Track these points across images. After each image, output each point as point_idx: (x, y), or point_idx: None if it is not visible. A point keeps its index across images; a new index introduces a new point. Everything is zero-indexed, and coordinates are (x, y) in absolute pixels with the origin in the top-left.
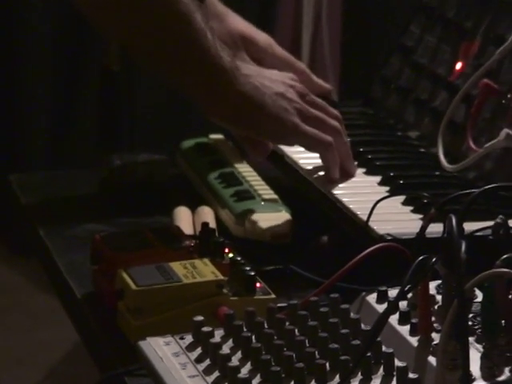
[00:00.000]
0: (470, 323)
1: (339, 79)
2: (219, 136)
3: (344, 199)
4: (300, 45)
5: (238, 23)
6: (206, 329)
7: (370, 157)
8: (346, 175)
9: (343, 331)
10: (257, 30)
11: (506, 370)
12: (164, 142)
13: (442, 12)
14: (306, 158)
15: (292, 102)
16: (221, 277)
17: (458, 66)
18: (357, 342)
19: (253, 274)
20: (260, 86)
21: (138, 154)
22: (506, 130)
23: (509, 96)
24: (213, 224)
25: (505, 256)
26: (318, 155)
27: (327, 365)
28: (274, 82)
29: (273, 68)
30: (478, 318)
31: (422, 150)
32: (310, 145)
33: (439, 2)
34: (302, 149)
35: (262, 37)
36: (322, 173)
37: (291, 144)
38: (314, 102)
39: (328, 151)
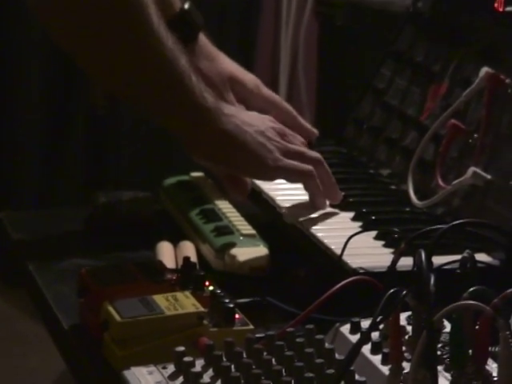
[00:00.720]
0: (438, 353)
1: (314, 120)
2: (200, 174)
3: (319, 234)
4: (277, 87)
5: (228, 64)
6: (187, 359)
7: (343, 193)
8: (333, 202)
9: (318, 361)
10: (245, 71)
11: None
12: (147, 180)
13: (411, 56)
14: (283, 195)
15: (271, 140)
16: (201, 309)
17: (427, 107)
18: (331, 371)
19: (232, 306)
20: (241, 124)
21: (122, 191)
22: (472, 168)
23: (475, 136)
24: (194, 258)
25: (472, 289)
26: (294, 192)
27: None
28: (255, 121)
29: (259, 108)
30: (447, 348)
31: (393, 187)
32: (292, 177)
33: (408, 46)
34: (279, 186)
35: (249, 78)
36: (298, 209)
37: (273, 179)
38: (293, 140)
39: (310, 179)
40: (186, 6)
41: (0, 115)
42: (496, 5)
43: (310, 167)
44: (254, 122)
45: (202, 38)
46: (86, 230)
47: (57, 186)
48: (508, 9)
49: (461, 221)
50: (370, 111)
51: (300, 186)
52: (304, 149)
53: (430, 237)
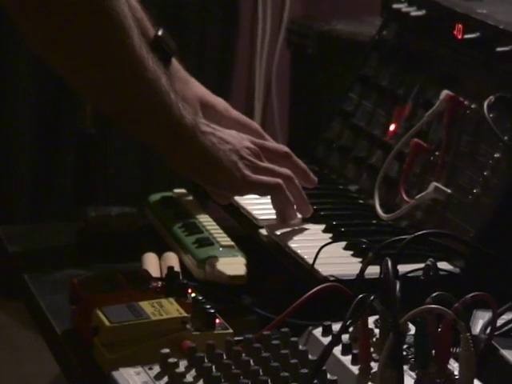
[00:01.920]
0: (404, 353)
1: (288, 141)
2: (182, 190)
3: (292, 245)
4: (253, 111)
5: (198, 88)
6: (171, 360)
7: (315, 207)
8: (303, 215)
9: (293, 361)
10: (214, 95)
11: None
12: (134, 197)
13: (376, 81)
14: (259, 210)
15: (244, 159)
16: (184, 314)
17: (392, 127)
18: (305, 370)
19: (213, 311)
20: (217, 142)
21: (111, 207)
22: (434, 184)
23: (436, 153)
24: (177, 268)
25: (434, 294)
26: (269, 206)
27: None
28: (232, 140)
29: (228, 128)
30: (412, 349)
31: (361, 201)
32: (261, 190)
33: (374, 72)
34: (256, 201)
35: (218, 101)
36: (273, 222)
37: (244, 194)
38: (271, 157)
39: (278, 193)
40: (160, 32)
41: None
42: (455, 33)
43: (278, 180)
44: (231, 141)
45: (175, 63)
46: (78, 243)
47: (48, 202)
48: (466, 37)
49: (424, 232)
50: (339, 132)
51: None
52: (274, 166)
53: (396, 247)
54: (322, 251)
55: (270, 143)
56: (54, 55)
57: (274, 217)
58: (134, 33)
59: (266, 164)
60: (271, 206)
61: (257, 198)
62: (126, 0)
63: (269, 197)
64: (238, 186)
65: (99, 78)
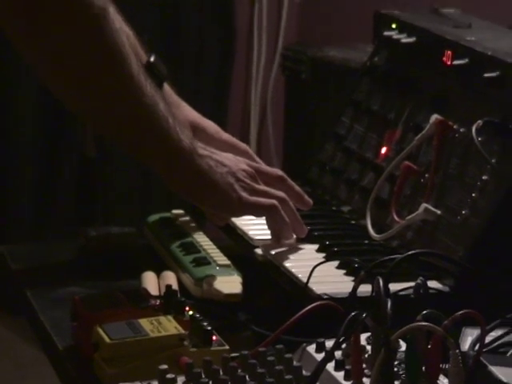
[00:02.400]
0: (395, 369)
1: (282, 163)
2: (180, 211)
3: (287, 264)
4: (248, 135)
5: (189, 112)
6: (169, 376)
7: (309, 228)
8: (298, 236)
9: (287, 377)
10: (204, 119)
11: None
12: (133, 217)
13: (368, 105)
14: (255, 230)
15: (240, 181)
16: (182, 331)
17: (383, 150)
18: None
19: (210, 328)
20: (214, 165)
21: (111, 227)
22: (424, 205)
23: (426, 176)
24: (175, 286)
25: (424, 312)
26: (264, 227)
27: None
28: (228, 163)
29: (220, 151)
30: (402, 365)
31: (353, 222)
32: (256, 211)
33: (366, 96)
34: (251, 222)
35: (209, 124)
36: (268, 242)
37: (240, 215)
38: (266, 179)
39: (273, 214)
40: (152, 58)
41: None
42: (444, 59)
43: (273, 201)
44: (227, 163)
45: (166, 88)
46: (78, 261)
47: (50, 222)
48: (455, 63)
49: (414, 252)
50: (331, 155)
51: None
52: (269, 188)
53: (387, 266)
54: (316, 270)
55: (266, 167)
56: (54, 83)
57: (269, 237)
58: (132, 60)
59: (261, 186)
60: (266, 227)
61: (252, 219)
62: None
63: (264, 218)
64: (234, 207)
65: (99, 105)
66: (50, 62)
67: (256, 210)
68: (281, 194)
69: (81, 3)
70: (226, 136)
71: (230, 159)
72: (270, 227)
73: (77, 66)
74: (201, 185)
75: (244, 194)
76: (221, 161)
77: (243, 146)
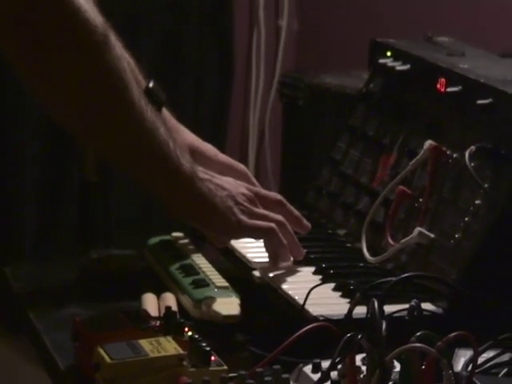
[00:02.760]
0: None
1: (279, 187)
2: (180, 234)
3: (284, 286)
4: (247, 159)
5: (188, 135)
6: None
7: (305, 251)
8: (296, 258)
9: None
10: (203, 142)
11: None
12: (134, 239)
13: (364, 131)
14: (252, 253)
15: (239, 204)
16: (181, 352)
17: (378, 175)
18: None
19: (208, 349)
20: (213, 189)
21: (112, 249)
22: (418, 229)
23: (420, 200)
24: (175, 307)
25: (418, 333)
26: (265, 251)
27: None
28: (228, 186)
29: (219, 172)
30: None
31: (349, 245)
32: (255, 234)
33: (361, 122)
34: (249, 245)
35: (208, 147)
36: (265, 264)
37: (239, 237)
38: (264, 203)
39: (271, 236)
40: (151, 84)
41: (1, 181)
42: (438, 86)
43: (272, 225)
44: (227, 187)
45: (165, 113)
46: (80, 283)
47: (52, 244)
48: (449, 90)
49: (408, 274)
50: (328, 179)
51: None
52: (268, 212)
53: (382, 288)
54: (312, 292)
55: (265, 191)
56: (54, 107)
57: (267, 259)
58: (133, 86)
59: (260, 210)
60: (264, 250)
61: (250, 242)
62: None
63: (262, 240)
64: (233, 230)
65: (100, 129)
66: (51, 87)
67: (255, 233)
68: (279, 217)
69: (83, 30)
70: (224, 158)
71: (229, 183)
72: (267, 250)
73: (78, 91)
74: (201, 207)
75: (243, 217)
76: (221, 184)
77: (241, 166)
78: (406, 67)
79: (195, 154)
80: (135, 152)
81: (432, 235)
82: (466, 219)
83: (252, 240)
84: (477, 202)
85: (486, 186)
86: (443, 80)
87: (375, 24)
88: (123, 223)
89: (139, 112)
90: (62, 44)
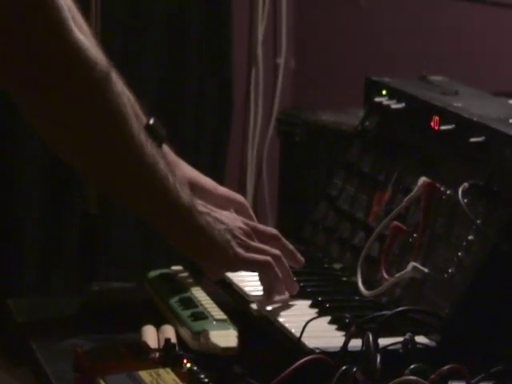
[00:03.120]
0: None
1: (276, 221)
2: (179, 267)
3: (281, 319)
4: (245, 194)
5: (188, 170)
6: None
7: (302, 284)
8: (290, 293)
9: None
10: (202, 176)
11: None
12: (134, 272)
13: (359, 167)
14: (250, 286)
15: (236, 238)
16: (180, 383)
17: (373, 211)
18: None
19: (207, 380)
20: (212, 222)
21: (112, 282)
22: (412, 263)
23: (414, 235)
24: (174, 339)
25: (412, 366)
26: (254, 275)
27: None
28: (226, 220)
29: (219, 205)
30: None
31: (345, 279)
32: (251, 267)
33: (357, 159)
34: (247, 278)
35: (207, 181)
36: (255, 288)
37: (236, 270)
38: (261, 237)
39: (267, 270)
40: (151, 121)
41: (3, 214)
42: (432, 124)
43: (268, 258)
44: (225, 221)
45: (165, 148)
46: (81, 315)
47: (54, 277)
48: (442, 128)
49: (402, 308)
50: (324, 214)
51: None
52: (264, 246)
53: (377, 322)
54: (309, 325)
55: (261, 225)
56: (55, 143)
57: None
58: (133, 121)
59: (257, 244)
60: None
61: (248, 275)
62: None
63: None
64: (230, 262)
65: (101, 163)
66: (52, 123)
67: (251, 266)
68: (275, 251)
69: (84, 68)
70: (223, 190)
71: (227, 217)
72: (262, 283)
73: (79, 126)
74: (199, 240)
75: (240, 251)
76: (219, 218)
77: (240, 198)
78: (401, 105)
79: (195, 188)
80: (135, 185)
81: (426, 270)
82: (459, 254)
83: (249, 273)
84: (469, 237)
85: (478, 221)
86: (437, 118)
87: (370, 63)
88: (124, 256)
89: (139, 146)
90: (64, 81)
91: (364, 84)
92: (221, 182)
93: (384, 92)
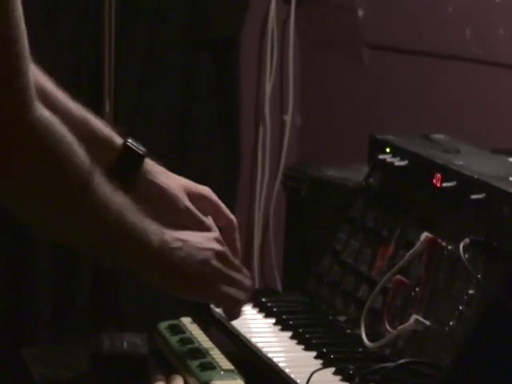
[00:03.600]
0: None
1: (282, 273)
2: (188, 318)
3: (287, 370)
4: (252, 249)
5: (179, 179)
6: None
7: (307, 336)
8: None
9: None
10: (196, 184)
11: None
12: (144, 323)
13: (363, 222)
14: (257, 337)
15: (213, 270)
16: None
17: (377, 265)
18: None
19: None
20: (186, 257)
21: (122, 332)
22: (414, 316)
23: (417, 289)
24: None
25: None
26: (269, 335)
27: None
28: (201, 250)
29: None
30: None
31: (349, 331)
32: (223, 302)
33: (361, 214)
34: (254, 330)
35: (201, 188)
36: (271, 348)
37: (211, 302)
38: (233, 264)
39: (238, 307)
40: (129, 140)
41: (16, 265)
42: (434, 181)
43: (241, 298)
44: (200, 252)
45: (149, 161)
46: (92, 365)
47: (65, 324)
48: (444, 185)
49: (405, 360)
50: (329, 268)
51: (272, 328)
52: (240, 277)
53: (380, 373)
54: (314, 376)
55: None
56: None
57: (271, 343)
58: (96, 175)
59: (233, 275)
60: (269, 335)
61: (255, 327)
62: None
63: (270, 328)
64: (204, 296)
65: (64, 223)
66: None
67: (223, 301)
68: (248, 283)
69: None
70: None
71: (201, 244)
72: (225, 312)
73: (28, 184)
74: (175, 279)
75: (216, 285)
76: (192, 253)
77: (206, 192)
78: (404, 163)
79: (192, 196)
80: (101, 237)
81: (427, 322)
82: (460, 307)
83: (256, 325)
84: (470, 291)
85: (478, 276)
86: (439, 175)
87: (374, 121)
88: (134, 307)
89: (103, 204)
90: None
91: (368, 141)
92: None
93: (388, 149)
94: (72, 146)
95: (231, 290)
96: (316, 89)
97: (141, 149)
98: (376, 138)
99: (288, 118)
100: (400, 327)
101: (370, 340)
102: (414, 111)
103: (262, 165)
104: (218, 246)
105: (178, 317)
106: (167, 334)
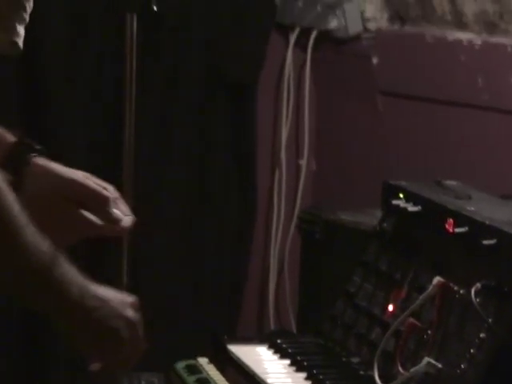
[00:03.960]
0: None
1: (297, 317)
2: (205, 359)
3: None
4: (267, 288)
5: (68, 172)
6: None
7: (321, 377)
8: None
9: None
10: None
11: None
12: (162, 363)
13: (377, 266)
14: (272, 378)
15: (120, 340)
16: None
17: (390, 308)
18: None
19: None
20: (101, 318)
21: (140, 372)
22: (426, 359)
23: (429, 332)
24: None
25: None
26: (284, 376)
27: None
28: (116, 317)
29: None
30: None
31: (362, 372)
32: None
33: (375, 258)
34: (269, 370)
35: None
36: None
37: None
38: (138, 336)
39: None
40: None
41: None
42: (447, 226)
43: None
44: (112, 321)
45: (43, 160)
46: None
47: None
48: (456, 230)
49: None
50: (343, 310)
51: (287, 369)
52: (141, 349)
53: None
54: None
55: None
56: None
57: None
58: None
59: (133, 345)
60: (284, 376)
61: (270, 367)
62: None
63: (285, 369)
64: (101, 357)
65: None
66: None
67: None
68: (143, 346)
69: None
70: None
71: (117, 310)
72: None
73: None
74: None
75: (114, 352)
76: (107, 316)
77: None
78: (417, 208)
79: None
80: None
81: (439, 365)
82: (471, 351)
83: (272, 366)
84: (481, 335)
85: (489, 320)
86: (451, 221)
87: (387, 166)
88: (150, 345)
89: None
90: None
91: (382, 187)
92: (243, 279)
93: (401, 195)
94: None
95: (123, 356)
96: (331, 134)
97: (36, 147)
98: (389, 183)
99: (303, 162)
100: (412, 369)
101: (382, 382)
102: (426, 157)
103: (277, 208)
104: (131, 315)
105: (193, 356)
106: (184, 374)
